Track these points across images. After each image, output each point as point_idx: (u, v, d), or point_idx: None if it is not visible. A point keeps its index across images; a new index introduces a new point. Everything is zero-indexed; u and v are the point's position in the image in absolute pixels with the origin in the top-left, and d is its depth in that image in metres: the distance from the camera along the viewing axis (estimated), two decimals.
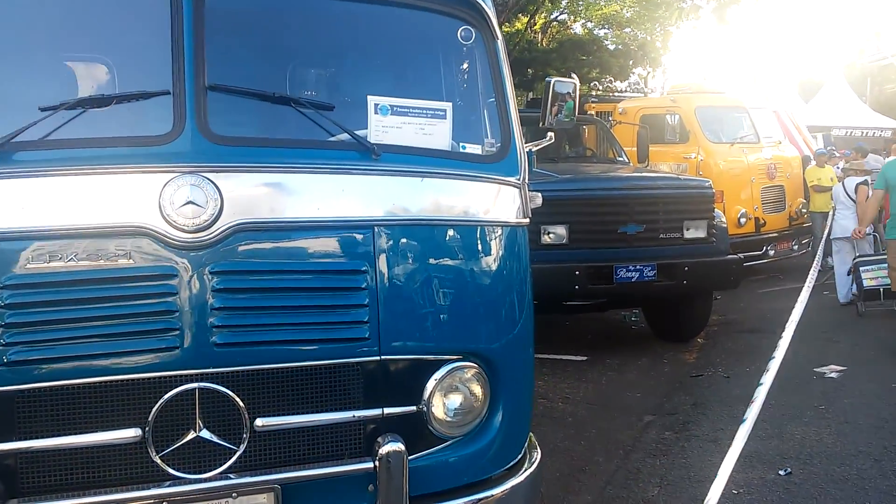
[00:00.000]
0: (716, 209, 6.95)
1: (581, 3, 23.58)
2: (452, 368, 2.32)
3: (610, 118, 11.44)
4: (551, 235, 6.41)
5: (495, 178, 2.53)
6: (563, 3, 23.83)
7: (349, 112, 2.56)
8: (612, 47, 21.11)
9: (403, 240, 2.28)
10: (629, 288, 6.48)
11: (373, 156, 2.32)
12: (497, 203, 2.53)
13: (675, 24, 17.04)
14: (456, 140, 2.61)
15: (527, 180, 2.63)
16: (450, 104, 2.55)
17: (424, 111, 2.51)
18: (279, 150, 2.24)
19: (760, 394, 4.22)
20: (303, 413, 2.15)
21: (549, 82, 2.93)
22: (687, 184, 7.04)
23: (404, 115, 2.48)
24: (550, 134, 2.98)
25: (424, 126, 2.51)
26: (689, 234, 6.70)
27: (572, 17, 25.43)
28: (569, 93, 3.03)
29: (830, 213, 9.35)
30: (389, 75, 2.74)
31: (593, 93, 13.62)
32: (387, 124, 2.45)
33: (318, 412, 2.16)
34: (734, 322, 8.08)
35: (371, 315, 2.20)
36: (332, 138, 2.37)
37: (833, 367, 6.06)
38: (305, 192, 2.21)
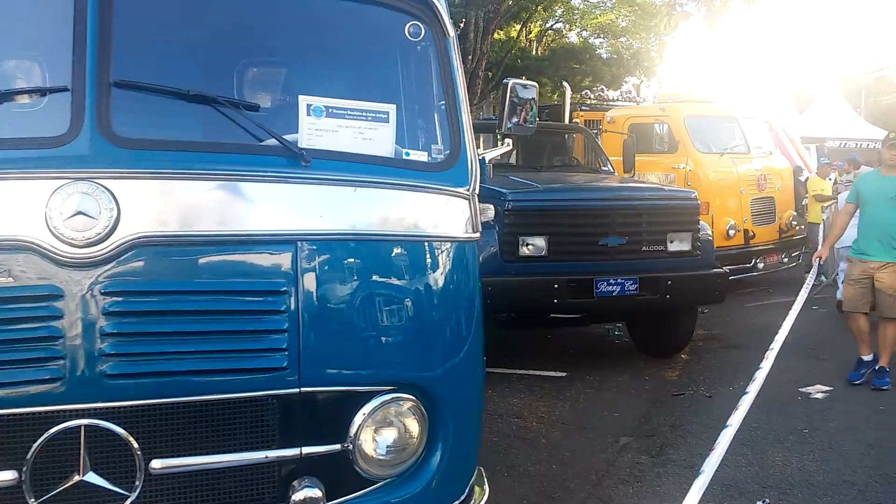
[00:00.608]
0: (701, 221, 6.73)
1: (577, 11, 23.50)
2: (384, 401, 2.08)
3: (599, 127, 11.25)
4: (530, 247, 6.17)
5: (442, 189, 2.30)
6: (559, 11, 23.73)
7: (279, 114, 2.34)
8: (605, 56, 20.96)
9: (331, 256, 2.05)
10: (610, 302, 6.25)
11: (301, 162, 2.09)
12: (443, 216, 2.29)
13: (667, 31, 16.87)
14: (401, 146, 2.38)
15: (477, 191, 2.39)
16: (393, 106, 2.32)
17: (365, 114, 2.28)
18: (192, 155, 2.00)
19: (735, 419, 3.95)
20: (207, 454, 1.90)
21: (507, 84, 2.70)
22: (671, 195, 6.82)
23: (341, 118, 2.25)
24: (508, 141, 2.76)
25: (364, 130, 2.28)
26: (672, 247, 6.48)
27: (567, 26, 25.34)
28: (532, 98, 2.80)
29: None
30: (326, 73, 2.50)
31: (587, 102, 13.42)
32: (321, 127, 2.22)
33: (225, 452, 1.92)
34: (720, 337, 7.85)
35: (290, 341, 1.96)
36: (257, 143, 2.13)
37: (819, 387, 5.84)
38: (220, 203, 1.97)
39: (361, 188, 2.13)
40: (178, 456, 1.88)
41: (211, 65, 2.39)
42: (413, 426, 2.11)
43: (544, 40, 24.77)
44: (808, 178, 12.04)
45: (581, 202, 6.40)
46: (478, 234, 2.39)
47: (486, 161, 2.63)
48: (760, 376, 4.51)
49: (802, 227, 10.86)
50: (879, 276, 5.70)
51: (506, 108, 2.65)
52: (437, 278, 2.23)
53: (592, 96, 13.81)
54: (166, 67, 2.23)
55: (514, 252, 6.13)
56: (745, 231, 9.90)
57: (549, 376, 6.55)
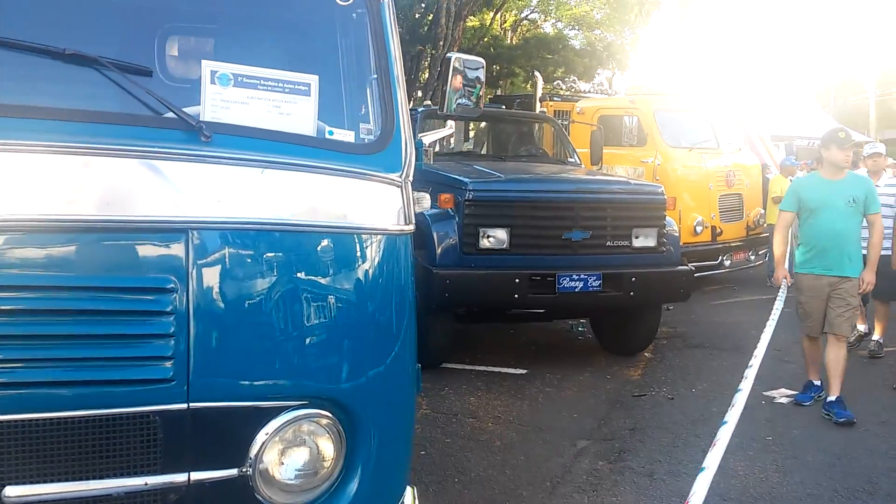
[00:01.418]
0: (668, 216, 6.52)
1: (552, 2, 23.24)
2: (293, 418, 1.79)
3: (568, 118, 11.02)
4: (491, 239, 5.91)
5: (369, 174, 2.01)
6: (534, 1, 23.47)
7: (182, 80, 2.02)
8: (578, 47, 20.76)
9: (230, 249, 1.74)
10: (572, 298, 6.02)
11: (201, 137, 1.78)
12: (369, 205, 2.00)
13: (640, 24, 16.70)
14: (325, 123, 2.08)
15: (411, 178, 2.10)
16: (316, 78, 2.02)
17: (282, 85, 1.98)
18: (62, 125, 1.68)
19: (724, 434, 3.62)
20: (74, 479, 1.60)
21: (450, 59, 2.42)
22: (637, 189, 6.60)
23: (252, 88, 1.95)
24: (451, 124, 2.48)
25: (281, 104, 1.98)
26: (638, 243, 6.26)
27: (543, 17, 25.08)
28: (478, 77, 2.51)
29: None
30: (239, 37, 2.19)
31: (559, 93, 13.18)
32: (228, 98, 1.91)
33: (96, 478, 1.61)
34: (684, 335, 7.68)
35: (177, 348, 1.66)
36: (151, 114, 1.82)
37: (783, 391, 5.67)
38: (94, 182, 1.66)
39: (271, 170, 1.83)
40: (40, 482, 1.58)
41: (101, 23, 2.06)
42: (327, 446, 1.83)
43: (519, 30, 24.51)
44: (773, 178, 11.72)
45: (544, 194, 6.15)
46: (411, 227, 2.10)
47: (425, 145, 2.34)
48: (746, 387, 4.23)
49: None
50: (837, 293, 5.07)
51: (449, 87, 2.36)
52: (360, 276, 1.93)
53: (564, 87, 13.56)
54: (47, 22, 1.90)
55: (474, 244, 5.87)
56: (713, 228, 9.76)
57: (508, 373, 6.31)
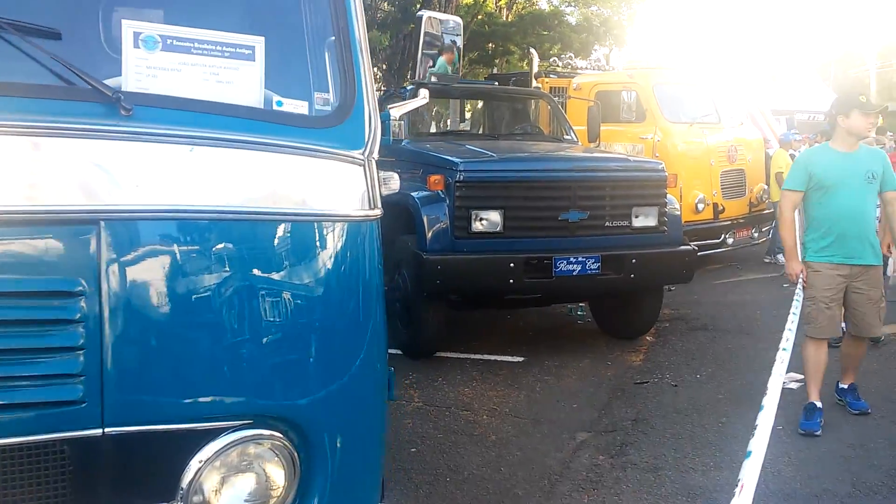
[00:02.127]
0: (668, 194, 6.23)
1: None
2: (234, 441, 1.52)
3: (565, 94, 10.68)
4: (484, 222, 5.62)
5: (326, 151, 1.72)
6: None
7: (99, 45, 1.73)
8: (574, 23, 20.34)
9: (151, 243, 1.46)
10: (570, 282, 5.74)
11: (120, 111, 1.50)
12: (325, 187, 1.72)
13: None
14: (274, 93, 1.80)
15: (375, 155, 1.81)
16: (262, 40, 1.73)
17: (220, 48, 1.69)
18: None
19: (764, 422, 3.04)
20: None
21: (422, 18, 2.12)
22: (637, 166, 6.31)
23: (185, 52, 1.66)
24: (424, 92, 2.18)
25: (220, 70, 1.69)
26: (637, 223, 5.98)
27: None
28: (453, 41, 2.21)
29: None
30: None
31: (556, 70, 12.81)
32: (155, 64, 1.63)
33: None
34: (687, 317, 7.41)
35: (88, 363, 1.38)
36: (61, 84, 1.53)
37: (794, 375, 5.38)
38: None
39: (202, 148, 1.54)
40: None
41: None
42: (276, 472, 1.56)
43: (515, 7, 24.04)
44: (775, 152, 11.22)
45: (539, 173, 5.86)
46: (378, 212, 1.82)
47: (394, 118, 2.05)
48: (774, 388, 3.64)
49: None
50: (857, 286, 4.36)
51: (420, 51, 2.06)
52: (313, 272, 1.65)
53: (561, 64, 13.18)
54: None
55: (466, 227, 5.58)
56: (715, 205, 9.46)
57: (505, 361, 6.05)
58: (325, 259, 1.70)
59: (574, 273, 5.67)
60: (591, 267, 5.71)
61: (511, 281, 5.54)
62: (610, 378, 5.64)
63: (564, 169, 5.93)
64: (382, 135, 1.86)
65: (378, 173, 1.84)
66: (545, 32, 19.49)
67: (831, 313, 4.41)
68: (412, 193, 5.84)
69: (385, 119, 1.92)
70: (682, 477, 3.86)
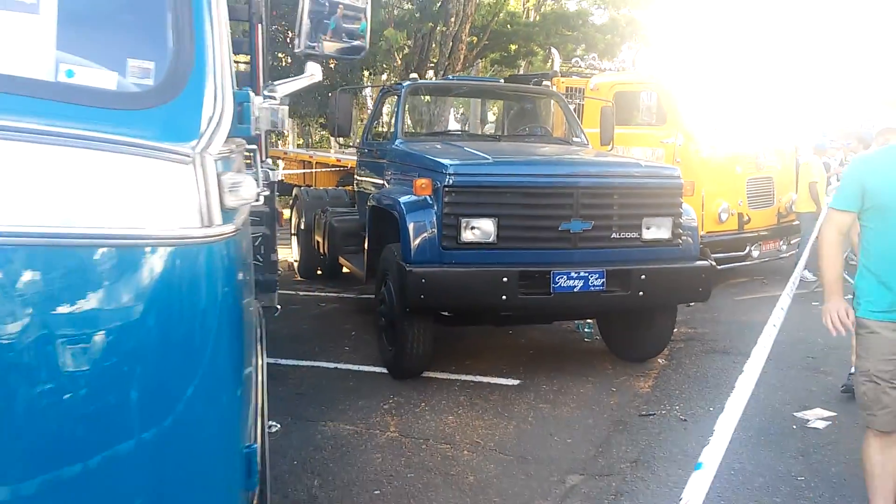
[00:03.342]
0: (685, 204, 5.62)
1: None
2: None
3: (582, 95, 10.08)
4: (475, 231, 5.08)
5: (135, 144, 1.20)
6: None
7: None
8: (598, 22, 19.68)
9: None
10: (571, 299, 5.17)
11: None
12: (134, 197, 1.19)
13: None
14: (73, 55, 1.28)
15: (217, 151, 1.28)
16: None
17: None
18: None
19: (708, 456, 2.63)
20: None
21: None
22: (649, 171, 5.70)
23: None
24: (315, 67, 1.65)
25: None
26: (648, 235, 5.39)
27: None
28: (363, 9, 1.68)
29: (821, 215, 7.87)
30: None
31: (578, 71, 12.22)
32: None
33: None
34: (704, 338, 6.79)
35: None
36: None
37: (819, 411, 4.78)
38: None
39: None
40: None
41: None
42: None
43: (543, 8, 23.41)
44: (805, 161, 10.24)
45: (538, 178, 5.29)
46: (223, 230, 1.29)
47: (273, 100, 1.52)
48: (742, 393, 3.32)
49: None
50: None
51: (304, 14, 1.53)
52: (108, 333, 1.13)
53: (584, 65, 12.57)
54: None
55: (456, 237, 5.05)
56: (740, 215, 8.81)
57: (497, 384, 5.50)
58: (140, 309, 1.17)
59: (575, 289, 5.11)
60: (595, 283, 5.14)
61: (504, 297, 4.99)
62: (612, 408, 5.06)
63: (567, 174, 5.35)
64: (240, 122, 1.33)
65: (226, 176, 1.31)
66: (569, 33, 18.86)
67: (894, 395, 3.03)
68: (399, 199, 5.32)
69: (242, 101, 1.39)
70: None
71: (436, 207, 5.09)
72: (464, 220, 5.05)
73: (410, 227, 5.07)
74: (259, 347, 2.08)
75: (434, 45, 16.29)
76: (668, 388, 5.41)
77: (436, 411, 4.93)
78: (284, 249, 10.68)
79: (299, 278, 9.32)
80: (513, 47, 20.60)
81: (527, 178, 5.24)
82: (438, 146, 6.06)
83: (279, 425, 2.97)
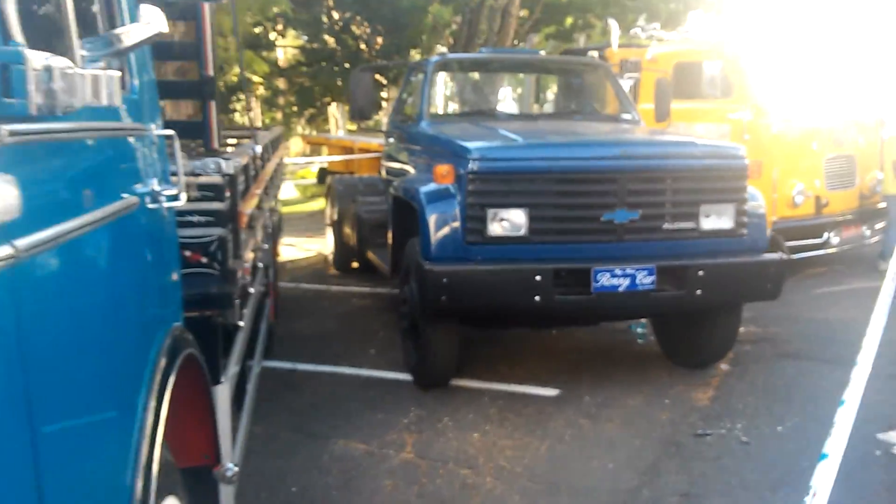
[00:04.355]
0: (750, 187, 4.86)
1: None
2: None
3: (639, 67, 9.25)
4: (504, 224, 4.47)
5: None
6: None
7: None
8: None
9: None
10: (615, 300, 4.52)
11: None
12: None
13: None
14: None
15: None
16: None
17: None
18: None
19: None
20: None
21: None
22: (707, 151, 4.95)
23: None
24: (151, 10, 1.09)
25: None
26: (707, 224, 4.68)
27: None
28: None
29: None
30: None
31: (640, 42, 11.38)
32: None
33: None
34: (775, 339, 6.00)
35: None
36: None
37: None
38: None
39: None
40: None
41: None
42: None
43: None
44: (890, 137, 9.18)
45: (576, 161, 4.62)
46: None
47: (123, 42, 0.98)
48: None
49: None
50: None
51: None
52: None
53: (644, 36, 11.68)
54: None
55: (482, 231, 4.45)
56: (817, 197, 7.90)
57: (534, 395, 4.91)
58: None
59: (620, 289, 4.45)
60: (644, 281, 4.47)
61: (537, 298, 4.37)
62: (664, 424, 4.40)
63: (610, 156, 4.66)
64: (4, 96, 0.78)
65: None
66: (629, 2, 17.79)
67: None
68: (419, 188, 4.75)
69: (14, 60, 0.84)
70: None
71: (459, 197, 4.50)
72: (490, 212, 4.44)
73: (431, 219, 4.50)
74: (155, 389, 1.59)
75: (483, 21, 15.57)
76: (731, 402, 4.70)
77: (460, 427, 4.38)
78: (319, 241, 10.29)
79: (334, 271, 8.87)
80: (569, 20, 19.64)
81: (562, 161, 4.58)
82: (467, 127, 5.46)
83: (237, 467, 2.46)
